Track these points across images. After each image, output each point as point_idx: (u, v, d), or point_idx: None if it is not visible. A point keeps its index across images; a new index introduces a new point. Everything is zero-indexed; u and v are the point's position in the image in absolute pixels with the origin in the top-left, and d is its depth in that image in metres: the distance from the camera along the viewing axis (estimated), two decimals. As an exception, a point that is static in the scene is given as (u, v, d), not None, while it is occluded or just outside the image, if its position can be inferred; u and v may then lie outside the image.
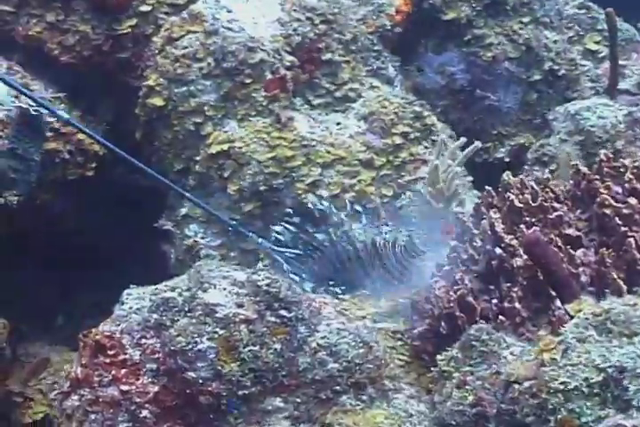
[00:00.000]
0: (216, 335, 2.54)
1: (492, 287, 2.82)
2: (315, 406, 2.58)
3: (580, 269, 2.70)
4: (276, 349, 2.58)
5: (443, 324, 2.79)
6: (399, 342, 2.87)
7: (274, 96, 3.55)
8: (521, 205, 2.88)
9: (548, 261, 2.51)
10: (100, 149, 3.65)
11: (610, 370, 2.02)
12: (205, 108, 3.54)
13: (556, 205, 2.94)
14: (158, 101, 3.55)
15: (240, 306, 2.59)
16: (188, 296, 2.61)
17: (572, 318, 2.23)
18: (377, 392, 2.64)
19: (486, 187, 3.07)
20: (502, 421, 2.22)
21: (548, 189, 2.98)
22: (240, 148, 3.42)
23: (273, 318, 2.60)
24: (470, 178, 3.75)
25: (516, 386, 2.19)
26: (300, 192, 3.42)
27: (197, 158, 3.50)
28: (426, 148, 3.60)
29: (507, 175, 3.04)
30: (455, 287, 2.82)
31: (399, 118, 3.59)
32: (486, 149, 4.20)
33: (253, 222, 3.43)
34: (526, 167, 4.01)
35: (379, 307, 2.96)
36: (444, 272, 2.91)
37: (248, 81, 3.56)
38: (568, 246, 2.74)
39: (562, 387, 2.06)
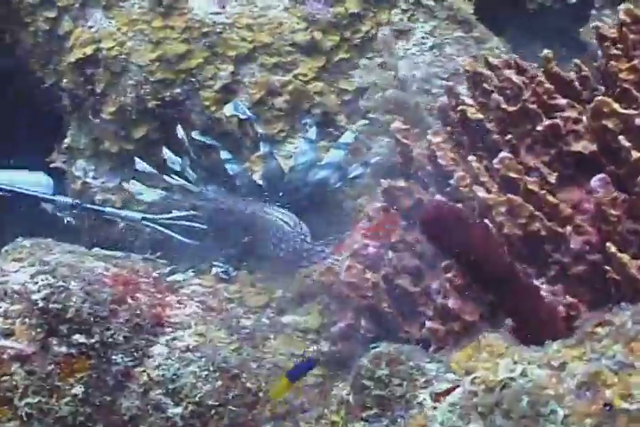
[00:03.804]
0: (-24, 384, 1.65)
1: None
2: (160, 472, 1.70)
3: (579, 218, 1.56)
4: (75, 394, 1.65)
5: (363, 322, 1.75)
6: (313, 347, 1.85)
7: (149, -34, 2.37)
8: (481, 117, 1.73)
9: (468, 249, 1.39)
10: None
11: None
12: (56, -5, 2.42)
13: (559, 101, 1.77)
14: (0, -6, 2.48)
15: (8, 335, 1.66)
16: None
17: (453, 388, 1.14)
18: (252, 446, 1.69)
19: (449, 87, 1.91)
20: None
21: (542, 75, 1.80)
22: (111, 48, 2.31)
23: (64, 349, 1.66)
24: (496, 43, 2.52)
25: None
26: (208, 103, 2.31)
27: (62, 69, 2.44)
28: (404, 11, 2.38)
29: (473, 61, 1.86)
30: (384, 261, 1.75)
31: (352, -29, 2.36)
32: (540, -9, 2.92)
33: (156, 152, 2.37)
34: (594, 12, 2.76)
35: (287, 289, 1.92)
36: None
37: (108, -53, 2.40)
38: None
39: None
